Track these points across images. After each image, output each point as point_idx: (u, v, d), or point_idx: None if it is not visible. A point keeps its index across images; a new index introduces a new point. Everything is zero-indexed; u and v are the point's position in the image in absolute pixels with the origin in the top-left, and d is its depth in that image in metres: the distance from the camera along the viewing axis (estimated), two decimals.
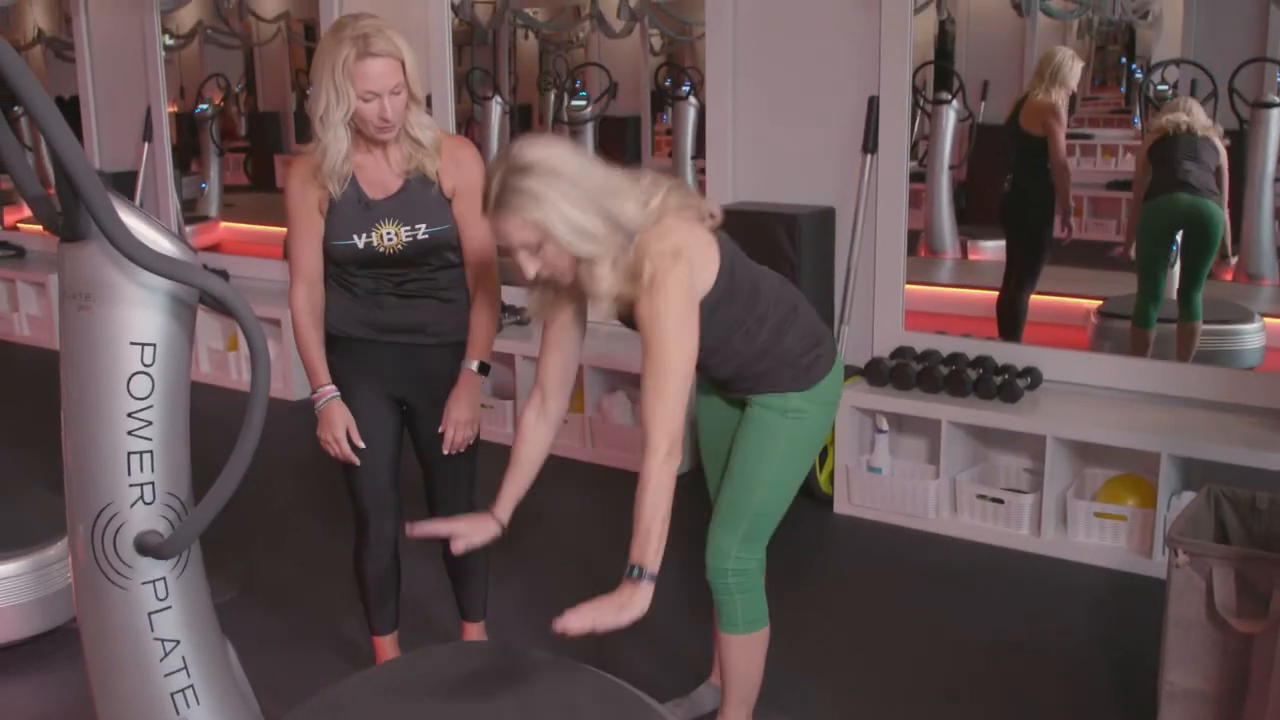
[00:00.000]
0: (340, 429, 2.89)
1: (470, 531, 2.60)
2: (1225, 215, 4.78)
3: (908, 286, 4.81)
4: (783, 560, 4.14)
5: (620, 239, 2.40)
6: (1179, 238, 4.82)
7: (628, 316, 2.52)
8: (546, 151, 2.36)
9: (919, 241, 6.15)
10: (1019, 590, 3.94)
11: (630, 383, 5.16)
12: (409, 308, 2.91)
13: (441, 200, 2.86)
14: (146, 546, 1.97)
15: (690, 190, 2.63)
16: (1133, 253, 5.01)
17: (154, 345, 1.95)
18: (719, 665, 2.95)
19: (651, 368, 2.43)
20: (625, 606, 2.35)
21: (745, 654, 2.85)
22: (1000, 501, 4.28)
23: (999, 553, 4.22)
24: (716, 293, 2.55)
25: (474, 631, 3.32)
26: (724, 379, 2.78)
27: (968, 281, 6.66)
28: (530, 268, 2.40)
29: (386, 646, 3.22)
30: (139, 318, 1.93)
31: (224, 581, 4.03)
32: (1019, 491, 4.34)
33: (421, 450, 3.05)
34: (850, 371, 4.66)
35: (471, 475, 3.08)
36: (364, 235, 2.82)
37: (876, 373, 4.55)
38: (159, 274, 1.86)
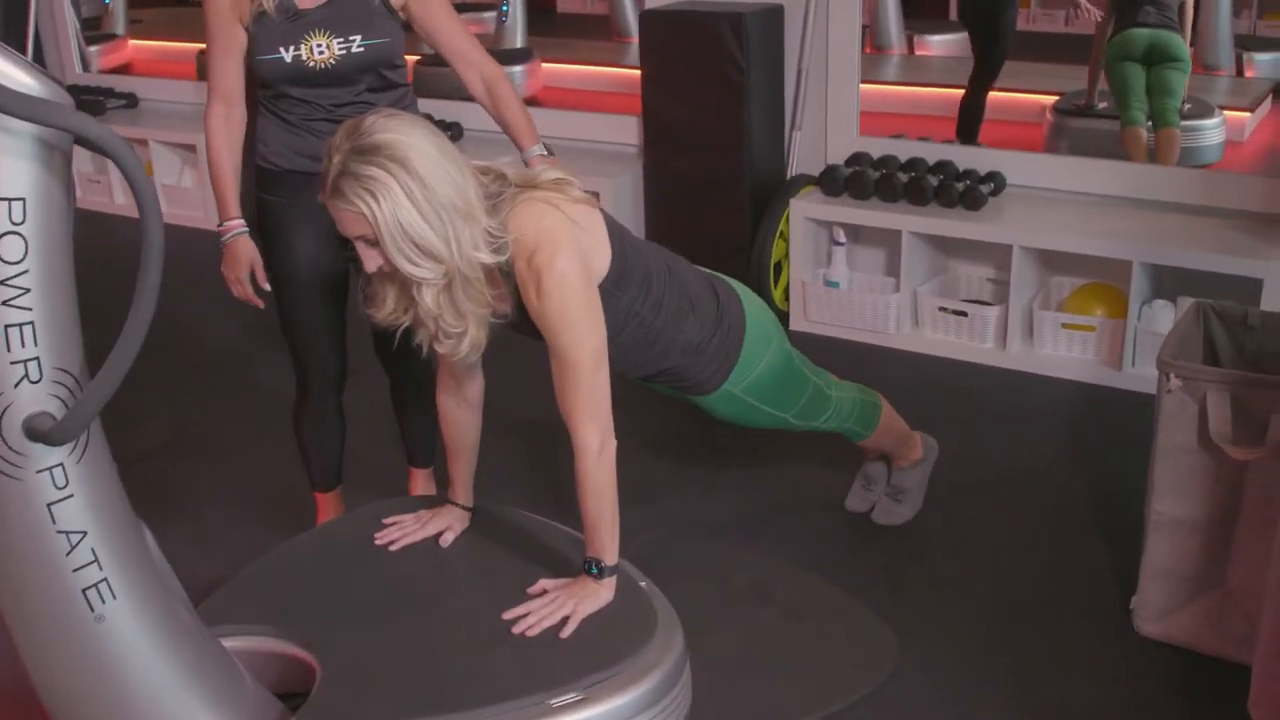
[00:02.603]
0: (244, 267, 2.63)
1: (447, 524, 2.54)
2: (1187, 45, 4.63)
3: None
4: None
5: (457, 263, 2.06)
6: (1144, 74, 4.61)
7: (519, 322, 2.22)
8: (401, 136, 2.00)
9: (864, 37, 5.86)
10: (985, 407, 3.79)
11: None
12: None
13: (384, 10, 2.56)
14: (37, 431, 1.71)
15: (560, 169, 2.28)
16: (1095, 99, 4.91)
17: (23, 200, 1.64)
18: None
19: (562, 369, 2.17)
20: (585, 598, 2.26)
21: (881, 438, 2.97)
22: (964, 314, 4.10)
23: (963, 367, 4.06)
24: (610, 278, 2.25)
25: (421, 479, 3.12)
26: (633, 378, 2.53)
27: (916, 79, 6.39)
28: (370, 261, 2.09)
29: (329, 504, 3.03)
30: (2, 167, 1.63)
31: (150, 436, 3.79)
32: (983, 304, 4.16)
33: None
34: (804, 181, 4.41)
35: None
36: (291, 48, 2.52)
37: (831, 181, 4.30)
38: (12, 115, 1.56)
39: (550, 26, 8.29)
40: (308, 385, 2.84)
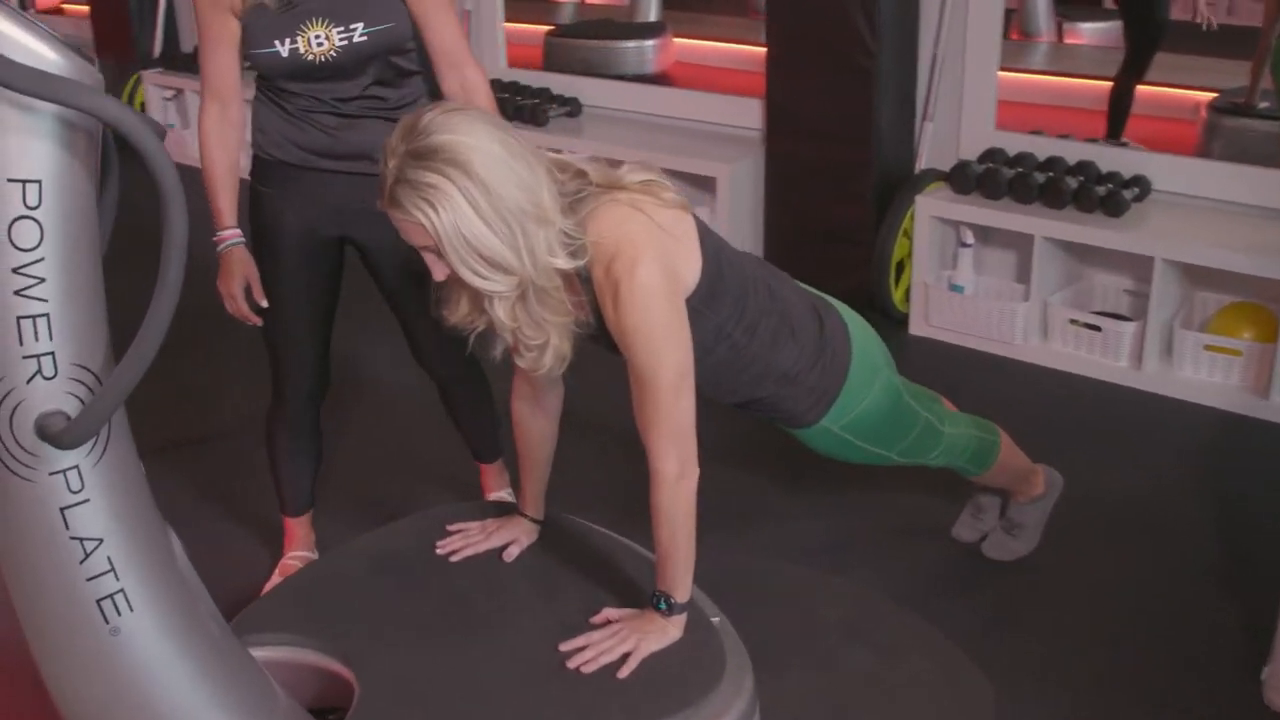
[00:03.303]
0: (238, 282, 2.44)
1: (513, 537, 2.36)
2: None
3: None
4: None
5: (530, 273, 1.86)
6: None
7: (599, 333, 2.01)
8: (461, 136, 1.78)
9: (1010, 23, 5.55)
10: (1114, 430, 3.50)
11: (688, 184, 4.68)
12: (352, 128, 2.42)
13: None
14: (47, 432, 1.59)
15: (649, 169, 2.03)
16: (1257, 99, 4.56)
17: (38, 182, 1.51)
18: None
19: (640, 388, 1.97)
20: (649, 635, 2.07)
21: (996, 476, 2.72)
22: (1097, 329, 3.80)
23: (1093, 386, 3.76)
24: (700, 294, 2.03)
25: (491, 473, 2.97)
26: (722, 403, 2.31)
27: (1062, 68, 6.05)
28: (438, 271, 1.90)
29: (298, 530, 2.85)
30: (16, 147, 1.49)
31: (229, 413, 3.71)
32: (1119, 318, 3.85)
33: (389, 297, 2.63)
34: (933, 176, 4.14)
35: None
36: (288, 41, 2.32)
37: (962, 178, 4.03)
38: (24, 93, 1.42)
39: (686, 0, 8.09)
40: (283, 393, 2.65)
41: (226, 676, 1.88)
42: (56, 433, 1.59)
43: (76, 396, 1.62)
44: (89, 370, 1.63)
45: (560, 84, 5.28)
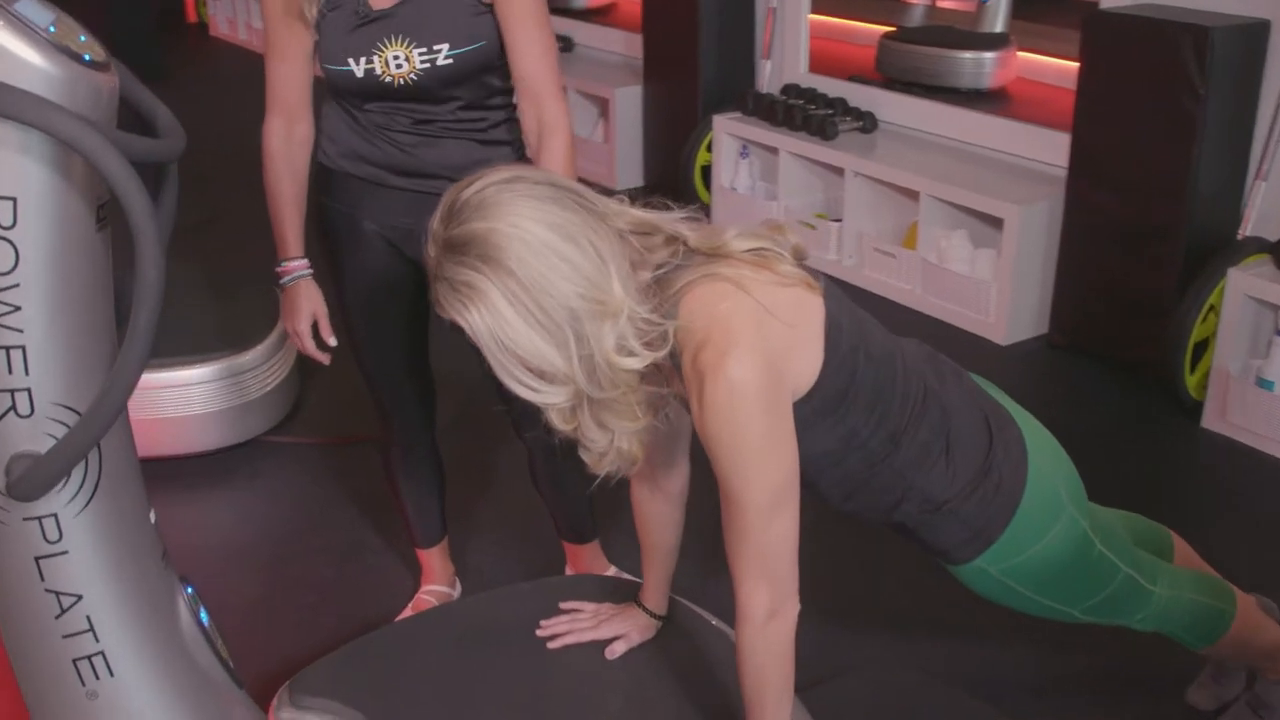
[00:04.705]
0: (304, 318, 2.22)
1: (624, 631, 2.03)
2: None
3: None
4: (1129, 472, 3.24)
5: (583, 384, 1.52)
6: None
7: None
8: (499, 222, 1.46)
9: None
10: None
11: (975, 220, 4.20)
12: (432, 146, 2.14)
13: (476, 6, 2.04)
14: (10, 477, 1.43)
15: (762, 234, 1.65)
16: None
17: (12, 200, 1.34)
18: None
19: (726, 507, 1.61)
20: None
21: (1225, 649, 2.20)
22: None
23: None
24: (819, 396, 1.65)
25: (580, 555, 2.66)
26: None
27: None
28: None
29: (434, 561, 2.65)
30: None
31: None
32: None
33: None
34: (1256, 246, 3.51)
35: None
36: (362, 60, 2.05)
37: None
38: None
39: (1040, 11, 7.44)
40: (390, 425, 2.45)
41: None
42: (11, 482, 1.42)
43: (56, 439, 1.45)
44: (75, 412, 1.45)
45: (858, 96, 4.88)
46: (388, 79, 2.06)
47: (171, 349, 3.31)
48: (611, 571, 2.70)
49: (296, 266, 2.23)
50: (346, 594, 2.82)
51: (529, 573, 2.75)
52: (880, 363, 1.72)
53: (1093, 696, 2.45)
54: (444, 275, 1.50)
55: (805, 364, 1.62)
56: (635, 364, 1.53)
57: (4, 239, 1.35)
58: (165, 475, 3.30)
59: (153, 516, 1.62)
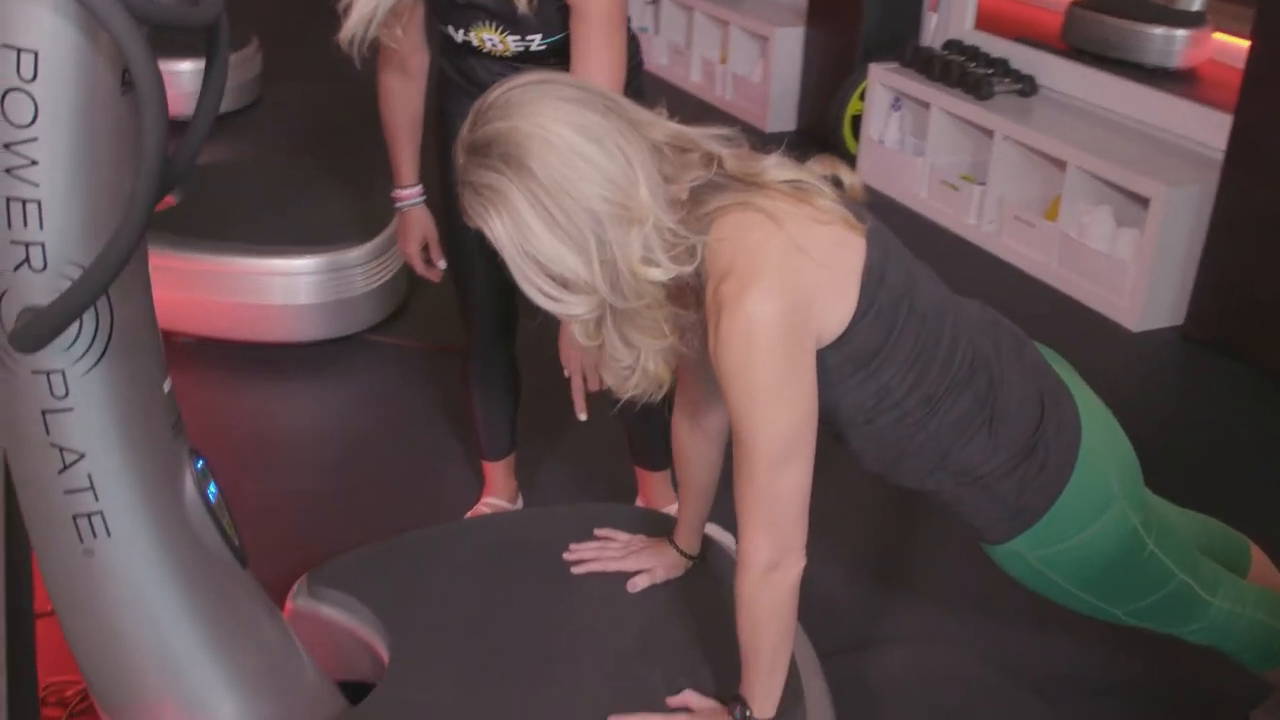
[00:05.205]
0: (416, 242, 2.33)
1: (649, 566, 2.00)
2: None
3: None
4: (1246, 483, 3.02)
5: (607, 291, 1.46)
6: None
7: None
8: (520, 121, 1.41)
9: None
10: None
11: (1122, 198, 3.99)
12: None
13: (558, 2, 2.00)
14: (13, 329, 1.45)
15: (805, 167, 1.57)
16: None
17: (34, 53, 1.34)
18: None
19: (736, 449, 1.55)
20: None
21: None
22: None
23: None
24: (851, 345, 1.56)
25: (653, 483, 2.65)
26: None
27: None
28: None
29: (498, 475, 2.66)
30: (8, 10, 1.33)
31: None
32: None
33: None
34: None
35: None
36: (461, 31, 2.08)
37: None
38: None
39: None
40: (471, 328, 2.47)
41: (230, 634, 1.71)
42: (12, 333, 1.44)
43: None
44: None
45: (1022, 58, 4.67)
46: (485, 50, 2.10)
47: (282, 237, 3.38)
48: (673, 509, 2.66)
49: (409, 195, 2.33)
50: (408, 497, 2.85)
51: (593, 499, 2.73)
52: (926, 320, 1.62)
53: (1144, 705, 2.32)
54: (468, 179, 1.47)
55: (835, 309, 1.54)
56: (660, 275, 1.47)
57: (25, 91, 1.36)
58: (263, 361, 3.38)
59: (167, 386, 1.63)
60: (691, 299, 1.57)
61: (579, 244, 1.44)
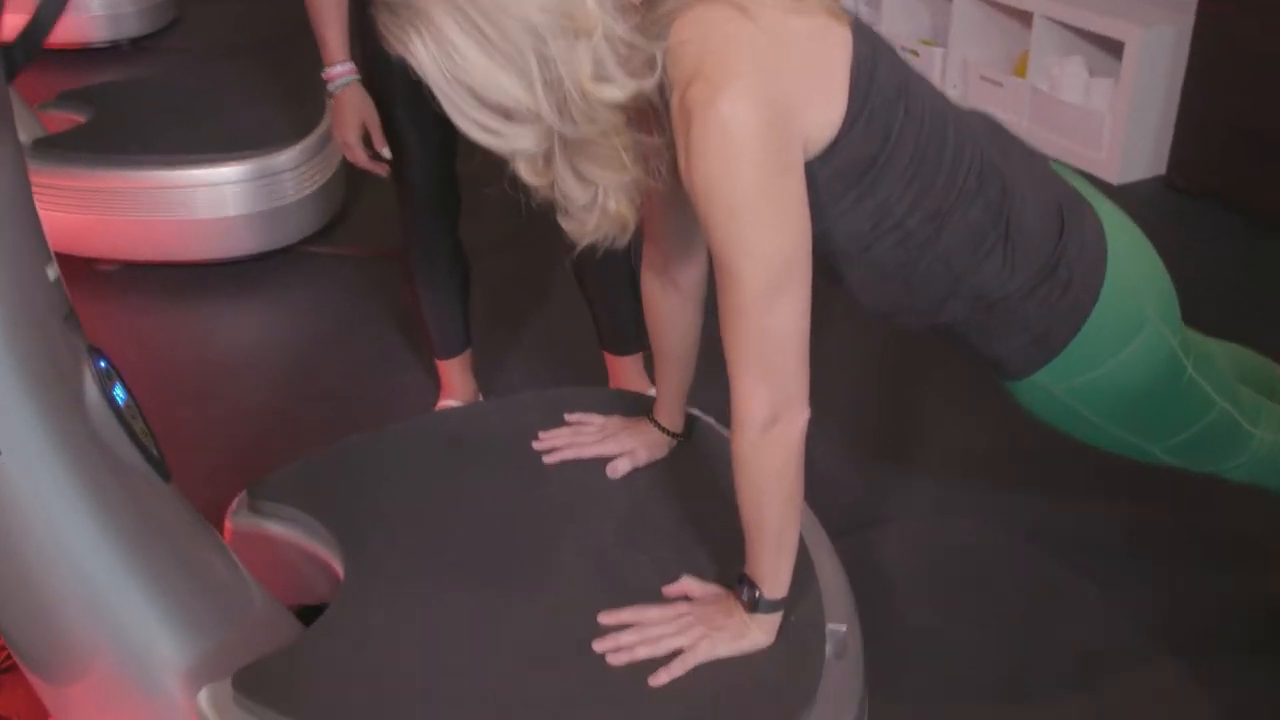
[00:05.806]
0: (354, 130, 2.11)
1: (629, 448, 1.80)
2: None
3: None
4: (1250, 329, 2.75)
5: (553, 117, 1.25)
6: None
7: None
8: None
9: None
10: None
11: (1093, 47, 3.77)
12: None
13: None
14: None
15: None
16: None
17: None
18: None
19: (720, 283, 1.33)
20: (721, 633, 1.48)
21: None
22: None
23: None
24: (842, 156, 1.34)
25: (621, 367, 2.47)
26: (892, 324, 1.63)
27: None
28: None
29: (454, 374, 2.46)
30: None
31: None
32: None
33: None
34: None
35: None
36: None
37: None
38: None
39: None
40: (407, 214, 2.26)
41: (159, 558, 1.49)
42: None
43: None
44: None
45: None
46: None
47: (204, 146, 3.12)
48: (652, 392, 2.47)
49: (342, 72, 2.12)
50: (364, 408, 2.64)
51: None
52: (924, 123, 1.40)
53: (1176, 562, 2.15)
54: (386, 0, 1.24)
55: (822, 111, 1.32)
56: (614, 92, 1.25)
57: None
58: (194, 281, 3.15)
59: (53, 274, 1.40)
60: (654, 121, 1.35)
61: (517, 65, 1.22)
